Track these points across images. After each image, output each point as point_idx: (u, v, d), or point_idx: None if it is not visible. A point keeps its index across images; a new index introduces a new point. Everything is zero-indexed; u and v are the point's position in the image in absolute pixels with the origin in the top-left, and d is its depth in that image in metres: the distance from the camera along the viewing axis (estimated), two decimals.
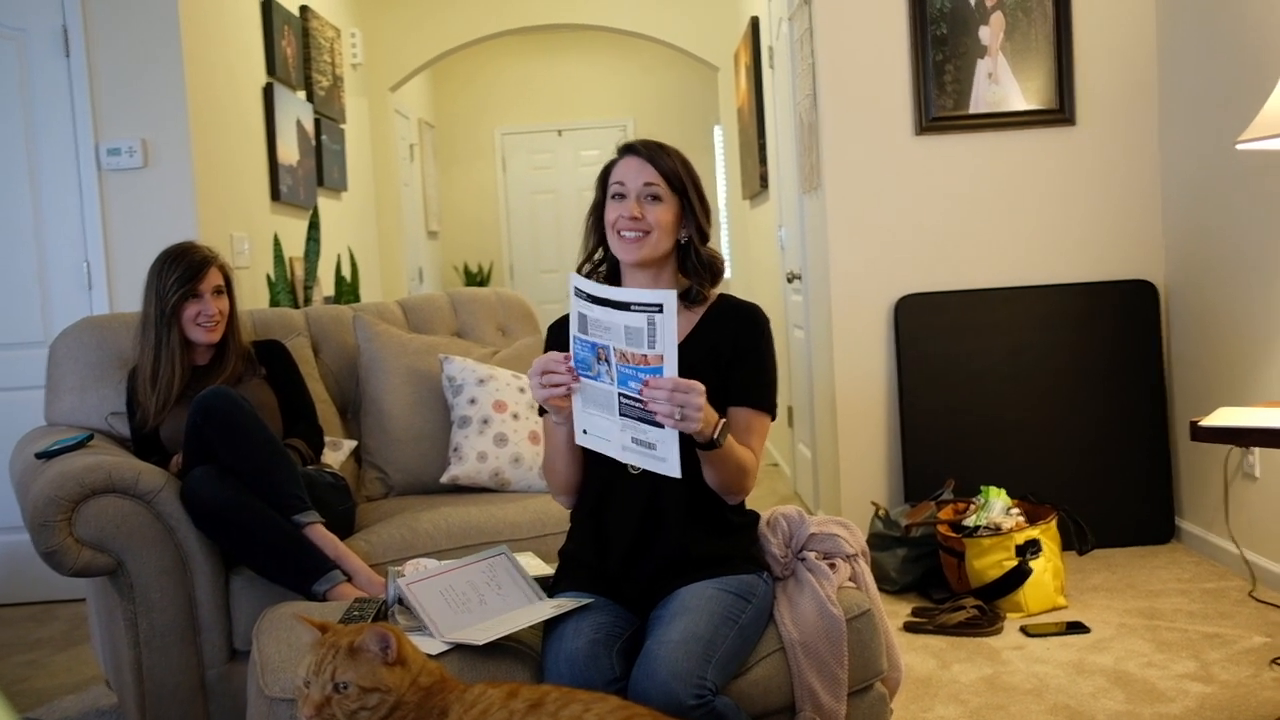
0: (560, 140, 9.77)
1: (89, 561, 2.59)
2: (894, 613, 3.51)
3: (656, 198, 2.10)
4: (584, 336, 1.87)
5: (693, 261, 2.16)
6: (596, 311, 1.83)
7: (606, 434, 1.90)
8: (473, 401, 3.24)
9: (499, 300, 3.74)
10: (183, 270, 2.96)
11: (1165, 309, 4.20)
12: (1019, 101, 4.18)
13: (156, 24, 4.29)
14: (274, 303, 4.68)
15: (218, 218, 4.52)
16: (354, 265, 5.34)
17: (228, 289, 3.06)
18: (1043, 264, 4.23)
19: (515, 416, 3.23)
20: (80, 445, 2.83)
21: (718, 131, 8.46)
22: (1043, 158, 4.22)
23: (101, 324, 3.27)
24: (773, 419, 2.15)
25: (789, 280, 5.25)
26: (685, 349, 1.97)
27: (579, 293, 1.86)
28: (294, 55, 5.55)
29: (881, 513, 3.93)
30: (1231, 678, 2.91)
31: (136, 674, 2.65)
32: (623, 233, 2.10)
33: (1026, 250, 4.23)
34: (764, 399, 2.13)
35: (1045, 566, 3.50)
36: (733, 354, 2.12)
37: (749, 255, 7.09)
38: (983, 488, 3.72)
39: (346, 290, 5.18)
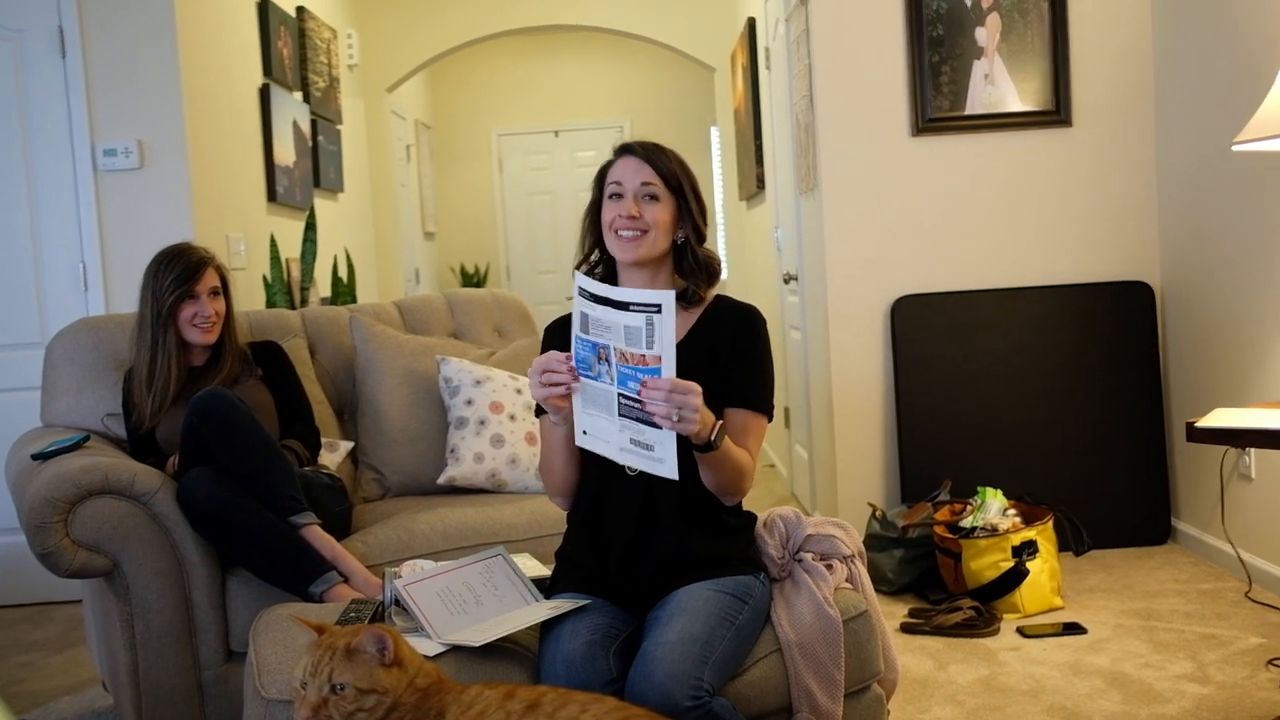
0: (557, 141, 9.77)
1: (85, 563, 2.58)
2: (891, 614, 3.51)
3: (654, 197, 2.11)
4: (585, 336, 1.87)
5: (689, 262, 2.17)
6: (598, 311, 1.84)
7: (606, 435, 1.90)
8: (469, 403, 3.24)
9: (495, 301, 3.73)
10: (179, 271, 2.96)
11: (1161, 310, 4.20)
12: (1015, 103, 4.18)
13: (153, 25, 4.29)
14: (270, 304, 4.67)
15: (214, 218, 4.52)
16: (350, 266, 5.34)
17: (224, 290, 3.05)
18: (1039, 265, 4.23)
19: (512, 418, 3.23)
20: (76, 446, 2.83)
21: (714, 132, 8.46)
22: (1039, 159, 4.23)
23: (98, 325, 3.27)
24: (770, 420, 2.15)
25: (785, 281, 5.25)
26: (682, 350, 1.97)
27: (582, 292, 1.86)
28: (290, 56, 5.55)
29: (878, 514, 3.93)
30: (1228, 678, 2.91)
31: (133, 675, 2.64)
32: (620, 232, 2.10)
33: (1023, 251, 4.24)
34: (761, 400, 2.13)
35: (1042, 567, 3.50)
36: (730, 355, 2.12)
37: (745, 256, 7.09)
38: (979, 489, 3.72)
39: (343, 291, 5.18)
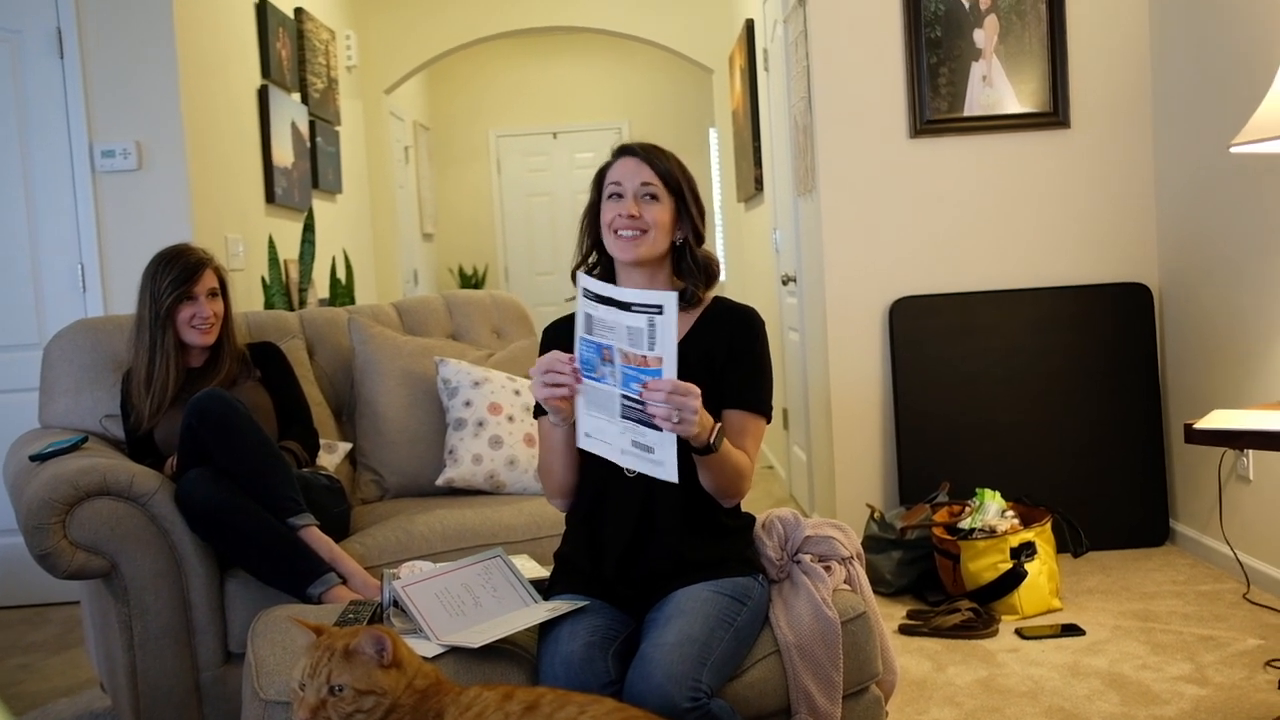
0: (555, 143, 9.77)
1: (83, 564, 2.58)
2: (889, 615, 3.51)
3: (654, 197, 2.11)
4: (589, 337, 1.87)
5: (688, 263, 2.17)
6: (601, 311, 1.84)
7: (608, 437, 1.90)
8: (468, 404, 3.24)
9: (494, 302, 3.73)
10: (177, 273, 2.96)
11: (1159, 311, 4.21)
12: (1013, 104, 4.19)
13: (151, 26, 4.29)
14: (269, 305, 4.67)
15: (212, 220, 4.52)
16: (349, 267, 5.34)
17: (222, 291, 3.05)
18: (1037, 266, 4.23)
19: (510, 419, 3.23)
20: (75, 448, 2.83)
21: (713, 134, 8.47)
22: (1037, 160, 4.23)
23: (96, 326, 3.27)
24: (768, 422, 2.15)
25: (784, 283, 5.25)
26: (680, 351, 1.96)
27: (586, 293, 1.86)
28: (289, 57, 5.55)
29: (877, 515, 3.93)
30: (1226, 680, 2.91)
31: (131, 677, 2.64)
32: (620, 232, 2.10)
33: (1021, 253, 4.24)
34: (759, 402, 2.13)
35: (1040, 569, 3.50)
36: (728, 357, 2.12)
37: (744, 258, 7.09)
38: (978, 490, 3.72)
39: (341, 292, 5.18)
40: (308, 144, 5.72)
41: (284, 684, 1.95)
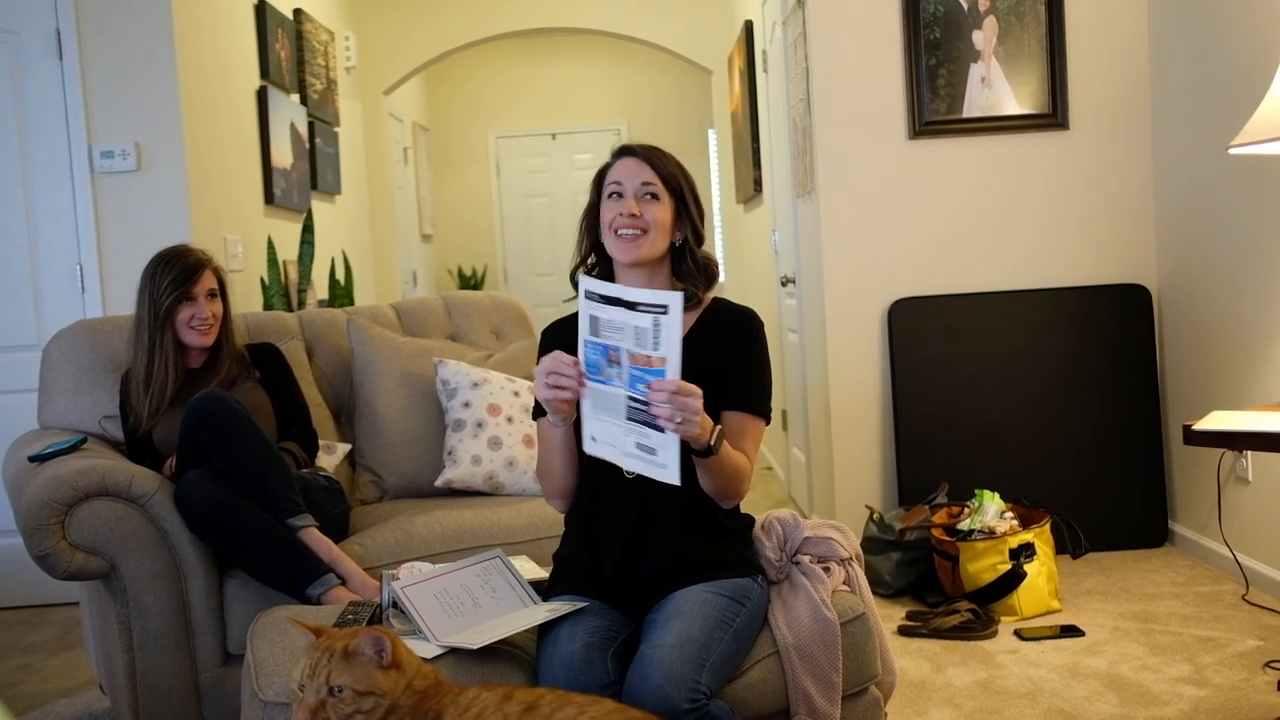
0: (554, 144, 9.78)
1: (82, 565, 2.58)
2: (888, 616, 3.51)
3: (654, 196, 2.11)
4: (595, 339, 1.86)
5: (688, 264, 2.17)
6: (609, 312, 1.83)
7: (613, 440, 1.89)
8: (467, 405, 3.24)
9: (493, 304, 3.74)
10: (177, 273, 2.96)
11: (1159, 313, 4.21)
12: (1012, 106, 4.19)
13: (150, 26, 4.29)
14: (268, 306, 4.67)
15: (211, 221, 4.52)
16: (348, 268, 5.34)
17: (221, 292, 3.05)
18: (1036, 268, 4.23)
19: (510, 420, 3.23)
20: (74, 448, 2.83)
21: (711, 135, 8.47)
22: (1036, 162, 4.23)
23: (95, 327, 3.27)
24: (767, 423, 2.15)
25: (783, 284, 5.25)
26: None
27: (590, 294, 1.86)
28: (288, 58, 5.55)
29: (876, 516, 3.93)
30: (1225, 681, 2.91)
31: (130, 678, 2.64)
32: (620, 231, 2.10)
33: (1020, 254, 4.24)
34: (759, 404, 2.13)
35: (1039, 570, 3.50)
36: (728, 358, 2.12)
37: (743, 259, 7.10)
38: (977, 491, 3.72)
39: (340, 293, 5.18)
40: (307, 145, 5.72)
41: (283, 685, 1.95)
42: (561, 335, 2.16)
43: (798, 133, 4.58)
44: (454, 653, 1.97)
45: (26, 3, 4.25)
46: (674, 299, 1.76)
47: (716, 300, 2.22)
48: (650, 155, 2.14)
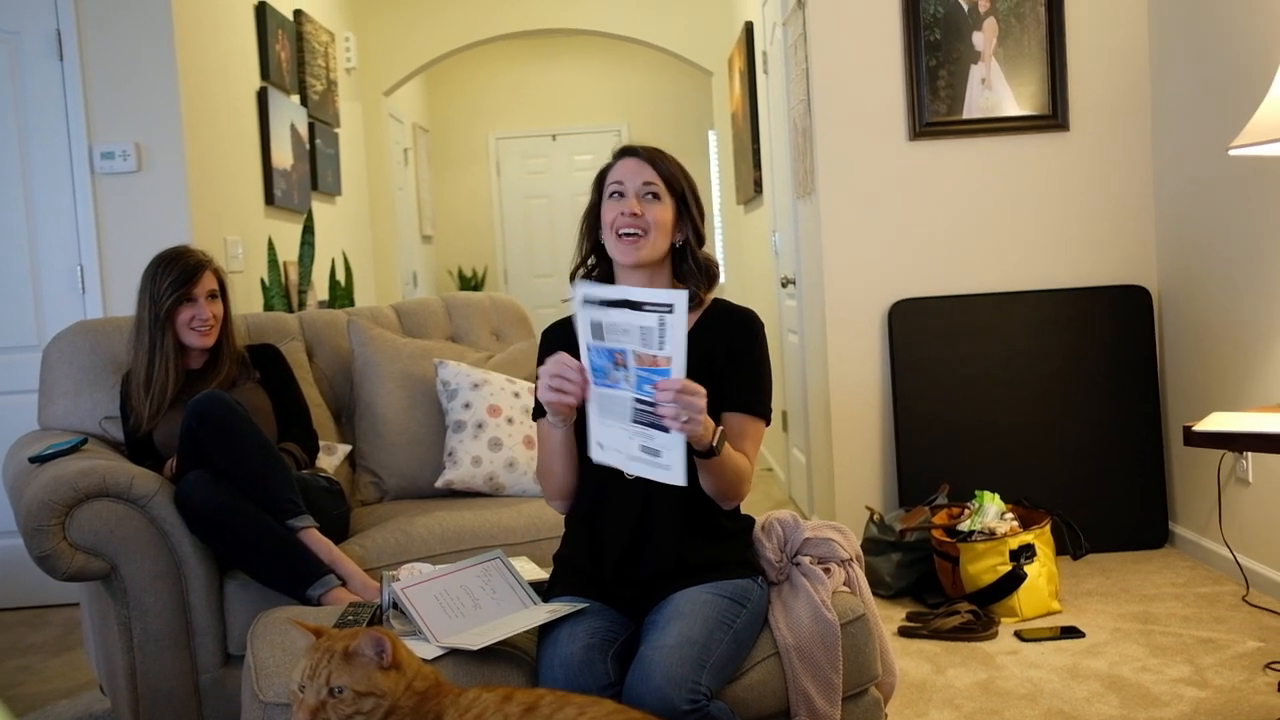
0: (554, 145, 9.78)
1: (83, 566, 2.58)
2: (888, 617, 3.51)
3: (655, 196, 2.11)
4: (599, 344, 1.86)
5: (689, 265, 2.17)
6: (612, 315, 1.82)
7: (618, 444, 1.88)
8: (467, 406, 3.24)
9: (493, 305, 3.74)
10: (177, 274, 2.96)
11: (1159, 314, 4.21)
12: (1012, 107, 4.19)
13: (150, 27, 4.29)
14: (268, 307, 4.67)
15: (211, 221, 4.52)
16: (348, 269, 5.34)
17: (222, 293, 3.05)
18: (1036, 269, 4.23)
19: (510, 421, 3.23)
20: (74, 449, 2.83)
21: (712, 136, 8.47)
22: (1036, 163, 4.23)
23: (95, 328, 3.27)
24: (768, 424, 2.15)
25: (783, 285, 5.25)
26: None
27: (589, 299, 1.85)
28: (288, 59, 5.55)
29: (876, 517, 3.93)
30: (1225, 682, 2.91)
31: (130, 679, 2.64)
32: (621, 231, 2.10)
33: (1020, 255, 4.24)
34: (759, 405, 2.13)
35: (1039, 571, 3.50)
36: (728, 359, 2.12)
37: (743, 260, 7.10)
38: (977, 492, 3.72)
39: (341, 294, 5.18)
40: (307, 146, 5.72)
41: (283, 686, 1.95)
42: (562, 336, 2.16)
43: (798, 134, 4.58)
44: (454, 653, 1.97)
45: (26, 3, 4.25)
46: (679, 297, 1.75)
47: (717, 301, 2.22)
48: (652, 156, 2.14)
